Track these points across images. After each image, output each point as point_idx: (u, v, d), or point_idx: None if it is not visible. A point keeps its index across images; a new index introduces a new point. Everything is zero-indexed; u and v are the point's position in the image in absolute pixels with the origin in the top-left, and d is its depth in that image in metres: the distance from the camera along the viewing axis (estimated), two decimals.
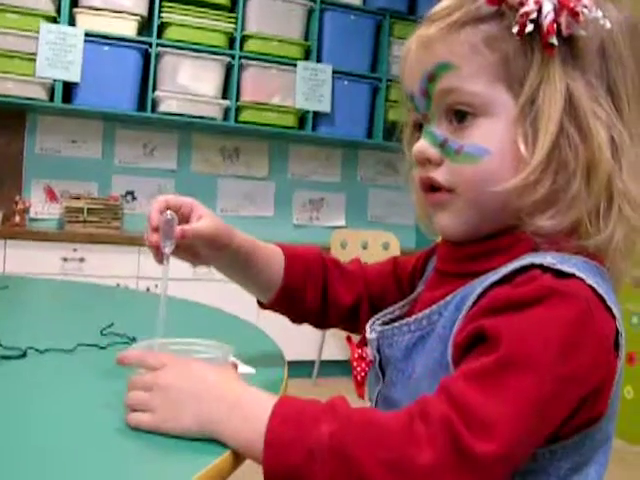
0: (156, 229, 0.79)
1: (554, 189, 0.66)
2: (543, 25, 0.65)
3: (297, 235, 4.33)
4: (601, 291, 0.62)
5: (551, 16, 0.65)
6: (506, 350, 0.58)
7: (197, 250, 0.85)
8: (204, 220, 0.82)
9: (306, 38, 4.09)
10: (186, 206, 0.83)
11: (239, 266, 0.88)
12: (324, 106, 4.00)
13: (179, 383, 0.63)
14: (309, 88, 3.96)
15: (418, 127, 0.77)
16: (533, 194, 0.66)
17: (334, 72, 4.03)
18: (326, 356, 3.84)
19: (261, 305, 0.94)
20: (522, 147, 0.67)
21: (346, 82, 4.09)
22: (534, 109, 0.67)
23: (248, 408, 0.61)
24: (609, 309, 0.62)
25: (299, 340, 3.37)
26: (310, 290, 0.91)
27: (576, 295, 0.60)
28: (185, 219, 0.82)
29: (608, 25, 0.66)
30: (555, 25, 0.65)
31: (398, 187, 4.55)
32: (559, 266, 0.62)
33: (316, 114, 4.04)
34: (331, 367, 3.87)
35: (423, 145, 0.72)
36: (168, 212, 0.79)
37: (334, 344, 3.83)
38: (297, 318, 0.94)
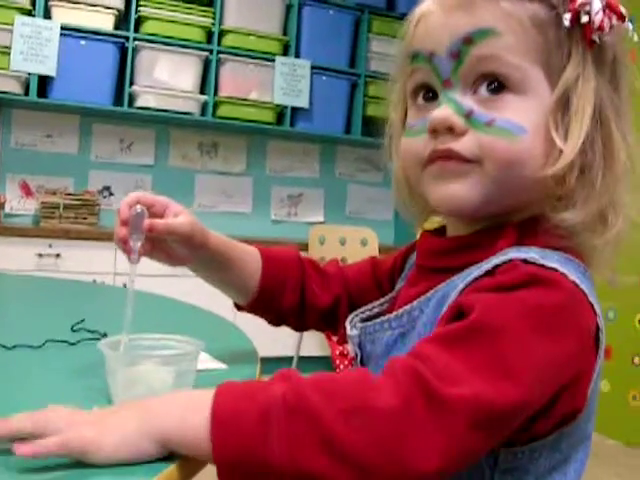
0: (125, 223, 0.77)
1: (578, 185, 0.66)
2: (594, 20, 0.65)
3: (275, 231, 4.31)
4: (583, 286, 0.61)
5: (602, 13, 0.65)
6: (478, 317, 0.57)
7: (172, 250, 0.83)
8: (180, 217, 0.80)
9: (284, 33, 4.07)
10: (160, 204, 0.80)
11: (215, 267, 0.86)
12: (302, 102, 3.99)
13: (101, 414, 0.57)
14: (287, 83, 3.95)
15: (425, 90, 0.72)
16: (562, 186, 0.66)
17: (312, 67, 4.02)
18: (304, 352, 3.83)
19: (238, 307, 0.93)
20: (556, 137, 0.65)
21: (324, 78, 4.08)
22: (569, 103, 0.66)
23: (189, 398, 0.58)
24: (591, 305, 0.62)
25: (277, 336, 3.34)
26: (288, 293, 0.90)
27: (560, 284, 0.60)
28: (159, 217, 0.79)
29: (636, 38, 0.68)
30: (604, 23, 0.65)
31: (377, 183, 4.55)
32: (542, 261, 0.61)
33: (294, 110, 4.03)
34: (309, 363, 3.86)
35: (446, 111, 0.67)
36: (138, 206, 0.77)
37: (312, 340, 3.83)
38: (275, 320, 0.93)
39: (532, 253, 0.62)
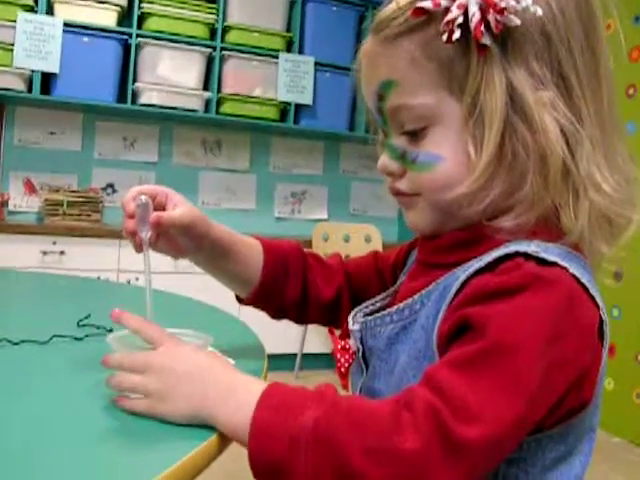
0: (131, 216, 0.78)
1: (510, 188, 0.66)
2: (470, 28, 0.63)
3: (279, 228, 4.32)
4: (584, 280, 0.62)
5: (477, 18, 0.63)
6: (492, 338, 0.57)
7: (176, 241, 0.83)
8: (180, 208, 0.81)
9: (288, 29, 4.07)
10: (161, 195, 0.82)
11: (217, 258, 0.87)
12: (306, 98, 3.99)
13: (173, 365, 0.64)
14: (291, 80, 3.94)
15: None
16: (485, 197, 0.66)
17: (316, 64, 4.01)
18: (308, 349, 3.83)
19: (240, 301, 0.93)
20: (471, 150, 0.66)
21: (328, 74, 4.07)
22: (478, 110, 0.65)
23: (240, 394, 0.61)
24: (592, 298, 0.62)
25: (281, 333, 3.36)
26: (290, 285, 0.90)
27: (560, 282, 0.60)
28: (162, 208, 0.81)
29: (539, 12, 0.63)
30: (483, 25, 0.63)
31: (380, 180, 4.53)
32: (543, 254, 0.61)
33: (298, 106, 4.02)
34: (313, 360, 3.87)
35: (384, 160, 0.74)
36: (142, 197, 0.78)
37: (316, 337, 3.83)
38: (277, 314, 0.93)
39: (533, 246, 0.62)
